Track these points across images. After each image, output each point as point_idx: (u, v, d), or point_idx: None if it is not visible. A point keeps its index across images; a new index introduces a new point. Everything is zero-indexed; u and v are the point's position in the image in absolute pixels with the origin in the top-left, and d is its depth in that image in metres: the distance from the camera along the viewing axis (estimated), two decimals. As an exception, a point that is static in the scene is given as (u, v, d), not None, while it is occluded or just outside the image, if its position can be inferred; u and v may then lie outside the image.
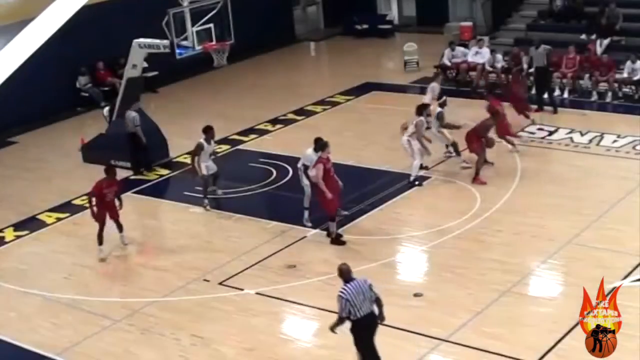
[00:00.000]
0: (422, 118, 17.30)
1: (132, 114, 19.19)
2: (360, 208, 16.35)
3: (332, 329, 10.78)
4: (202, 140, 16.81)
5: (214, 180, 17.31)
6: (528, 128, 20.10)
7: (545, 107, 21.40)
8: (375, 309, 10.61)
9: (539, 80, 21.83)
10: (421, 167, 17.61)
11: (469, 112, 19.92)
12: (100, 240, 15.28)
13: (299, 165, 15.83)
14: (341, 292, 10.45)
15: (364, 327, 10.53)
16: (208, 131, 17.00)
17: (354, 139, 20.25)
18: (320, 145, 15.08)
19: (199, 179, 16.95)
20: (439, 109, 18.05)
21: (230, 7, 18.54)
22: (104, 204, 15.18)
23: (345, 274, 10.62)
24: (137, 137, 19.26)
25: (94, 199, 15.11)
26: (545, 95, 21.73)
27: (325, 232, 15.33)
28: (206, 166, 16.81)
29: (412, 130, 17.30)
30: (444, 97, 18.54)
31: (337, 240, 15.07)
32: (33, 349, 12.69)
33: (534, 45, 21.97)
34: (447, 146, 18.33)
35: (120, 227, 15.53)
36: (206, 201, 16.95)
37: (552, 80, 22.31)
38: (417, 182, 17.40)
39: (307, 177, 15.51)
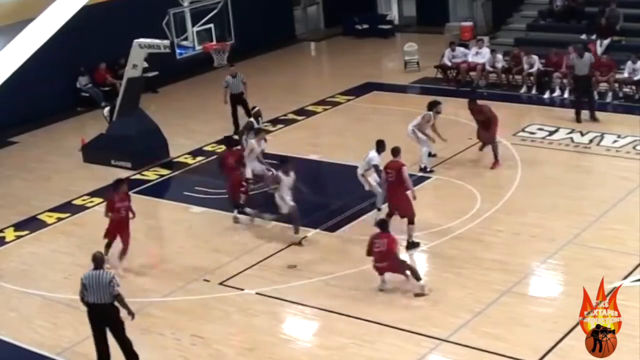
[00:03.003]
0: (430, 113, 17.90)
1: (226, 77, 20.94)
2: (360, 208, 16.33)
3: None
4: (253, 142, 16.72)
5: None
6: (528, 128, 20.10)
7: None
8: (118, 305, 11.54)
9: (580, 89, 20.99)
10: (430, 155, 18.14)
11: (468, 113, 19.88)
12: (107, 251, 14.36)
13: (360, 172, 15.70)
14: (83, 275, 11.55)
15: (91, 314, 11.61)
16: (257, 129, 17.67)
17: (354, 139, 20.20)
18: (393, 150, 15.06)
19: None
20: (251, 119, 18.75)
21: (231, 7, 18.56)
22: (117, 221, 14.47)
23: (94, 261, 11.58)
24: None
25: (110, 214, 14.47)
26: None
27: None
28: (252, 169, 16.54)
29: (417, 121, 17.84)
30: (257, 108, 18.96)
31: (414, 244, 14.75)
32: (33, 349, 12.70)
33: (576, 52, 20.93)
34: None
35: (124, 252, 14.59)
36: (247, 211, 16.36)
37: (594, 87, 21.46)
38: (427, 169, 17.78)
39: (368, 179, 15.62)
